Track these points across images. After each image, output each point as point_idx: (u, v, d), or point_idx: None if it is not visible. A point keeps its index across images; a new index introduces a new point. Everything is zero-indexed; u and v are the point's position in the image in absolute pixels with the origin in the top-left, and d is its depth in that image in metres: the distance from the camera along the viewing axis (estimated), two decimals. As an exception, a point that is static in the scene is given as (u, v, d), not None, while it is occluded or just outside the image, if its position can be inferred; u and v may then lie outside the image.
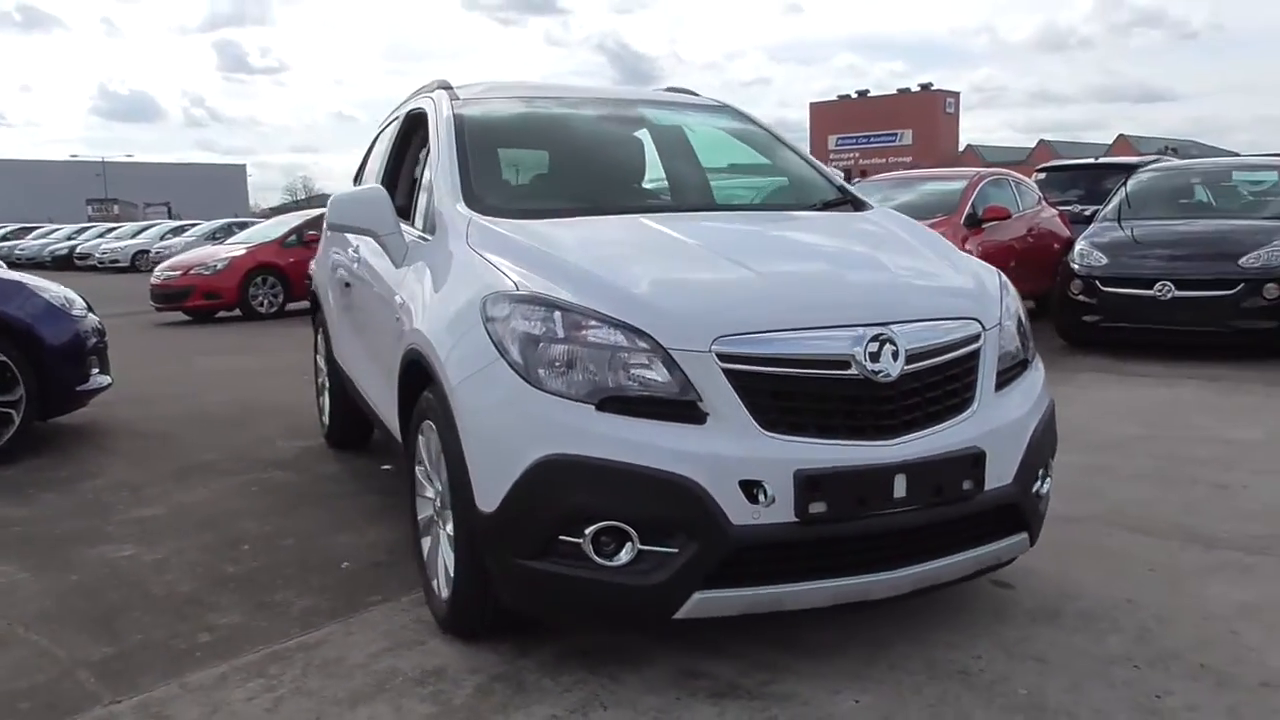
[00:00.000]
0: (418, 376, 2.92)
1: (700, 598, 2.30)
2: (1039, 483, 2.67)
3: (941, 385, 2.49)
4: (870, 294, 2.57)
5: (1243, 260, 7.29)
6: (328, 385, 5.05)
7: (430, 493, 2.95)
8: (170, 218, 42.88)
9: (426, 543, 3.02)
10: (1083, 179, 13.33)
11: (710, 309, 2.41)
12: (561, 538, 2.33)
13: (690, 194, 3.71)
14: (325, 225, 4.89)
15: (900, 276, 2.72)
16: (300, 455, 5.06)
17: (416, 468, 3.03)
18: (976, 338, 2.60)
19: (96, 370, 5.52)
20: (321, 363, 5.27)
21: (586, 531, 2.30)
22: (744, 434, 2.29)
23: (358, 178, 5.03)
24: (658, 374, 2.32)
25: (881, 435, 2.37)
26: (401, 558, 3.49)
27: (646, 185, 3.77)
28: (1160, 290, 7.38)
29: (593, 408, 2.32)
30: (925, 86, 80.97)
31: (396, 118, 4.38)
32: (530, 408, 2.37)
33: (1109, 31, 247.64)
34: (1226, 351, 7.40)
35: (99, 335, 5.62)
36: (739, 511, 2.26)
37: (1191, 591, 3.05)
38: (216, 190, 65.66)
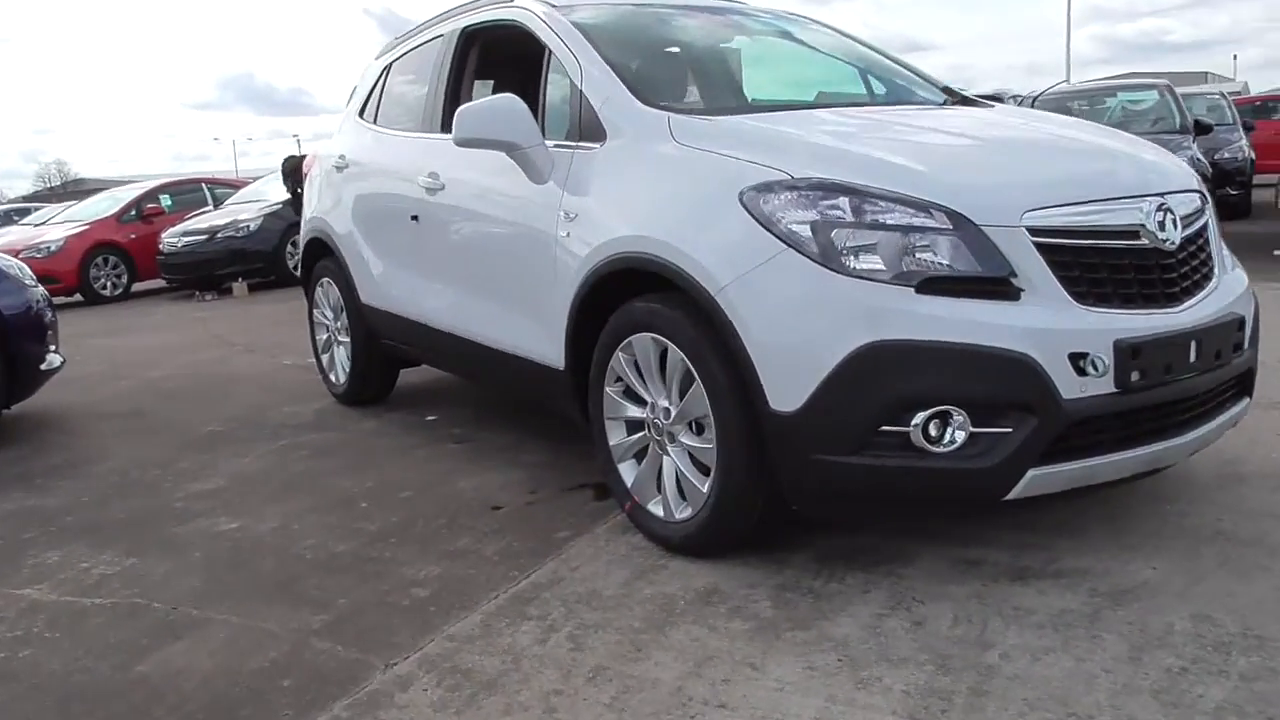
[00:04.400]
0: (617, 290, 2.73)
1: (1034, 475, 2.25)
2: None
3: (1198, 254, 2.54)
4: (1142, 168, 2.58)
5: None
6: (346, 339, 4.65)
7: (634, 411, 2.78)
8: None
9: (627, 467, 2.85)
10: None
11: (1014, 183, 2.35)
12: (885, 428, 2.23)
13: (839, 92, 3.59)
14: (333, 165, 4.50)
15: (1142, 153, 2.74)
16: (322, 416, 4.65)
17: (607, 389, 2.83)
18: (1204, 209, 2.66)
19: (52, 349, 4.87)
20: (326, 317, 4.84)
21: (915, 419, 2.20)
22: (1062, 307, 2.25)
23: (364, 110, 4.62)
24: (972, 252, 2.24)
25: (1170, 303, 2.39)
26: (552, 493, 3.28)
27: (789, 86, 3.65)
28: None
29: (912, 290, 2.22)
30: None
31: (439, 36, 4.04)
32: (841, 295, 2.24)
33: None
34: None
35: (51, 308, 4.96)
36: (1069, 385, 2.22)
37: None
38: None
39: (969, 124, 2.93)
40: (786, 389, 2.30)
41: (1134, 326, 2.29)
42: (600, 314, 2.83)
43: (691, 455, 2.63)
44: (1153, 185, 2.46)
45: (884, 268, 2.24)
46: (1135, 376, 2.27)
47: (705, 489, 2.56)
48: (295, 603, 2.59)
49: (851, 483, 2.31)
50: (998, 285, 2.24)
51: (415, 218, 3.81)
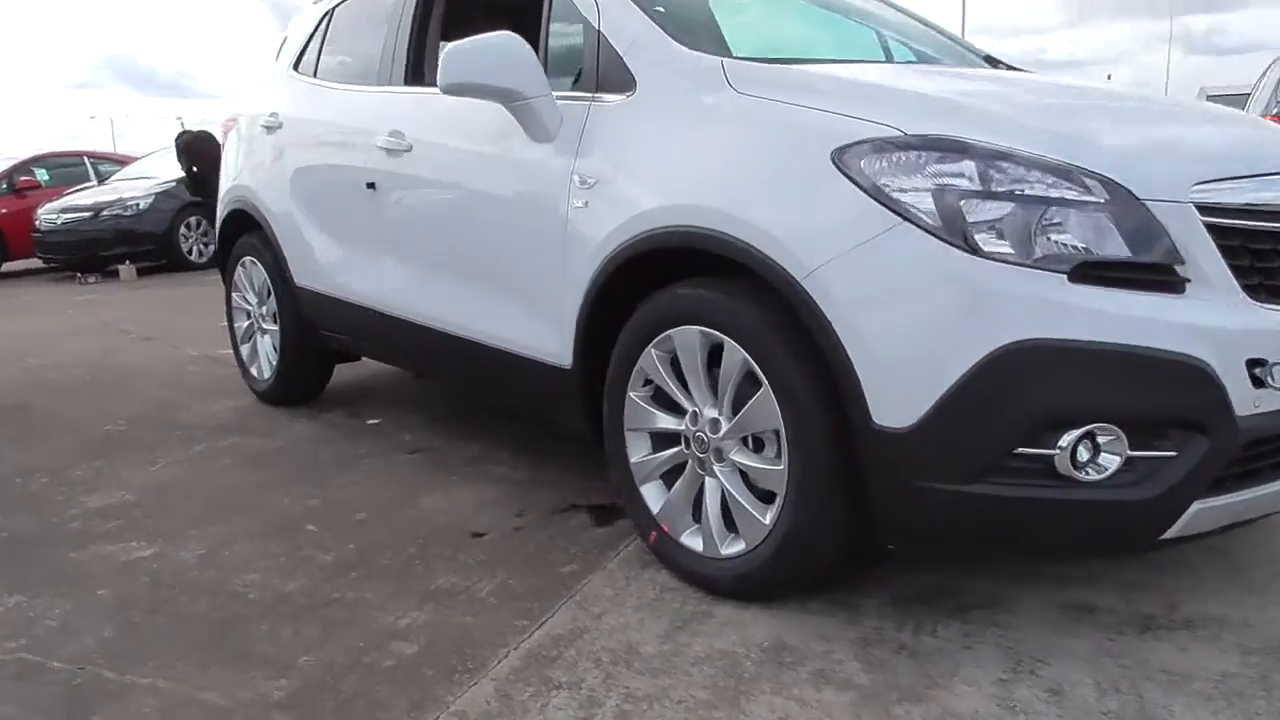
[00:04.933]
0: (647, 273, 2.24)
1: (1199, 508, 1.83)
2: None
3: None
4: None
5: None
6: (273, 327, 4.00)
7: (667, 421, 2.28)
8: None
9: (652, 489, 2.35)
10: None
11: (1177, 150, 1.93)
12: (1022, 450, 1.78)
13: (873, 50, 3.12)
14: (263, 125, 3.90)
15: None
16: (244, 417, 3.99)
17: (631, 394, 2.32)
18: None
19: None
20: (249, 301, 4.18)
21: (1063, 440, 1.76)
22: (1234, 302, 1.83)
23: (299, 62, 3.98)
24: (1134, 232, 1.80)
25: None
26: (540, 517, 2.74)
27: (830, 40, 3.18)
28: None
29: (1064, 277, 1.77)
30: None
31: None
32: (977, 282, 1.78)
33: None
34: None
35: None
36: (1243, 399, 1.81)
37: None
38: None
39: (1059, 89, 2.51)
40: (898, 400, 1.83)
41: (1308, 328, 1.88)
42: (622, 301, 2.33)
43: (744, 476, 2.14)
44: None
45: (1024, 250, 1.79)
46: (1309, 389, 1.87)
47: (768, 520, 2.07)
48: (243, 662, 2.00)
49: (971, 517, 1.86)
50: (1163, 274, 1.81)
51: (371, 185, 3.21)
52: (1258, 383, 1.81)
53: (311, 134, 3.67)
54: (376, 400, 4.16)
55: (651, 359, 2.27)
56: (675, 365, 2.24)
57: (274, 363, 4.05)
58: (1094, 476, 1.79)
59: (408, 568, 2.44)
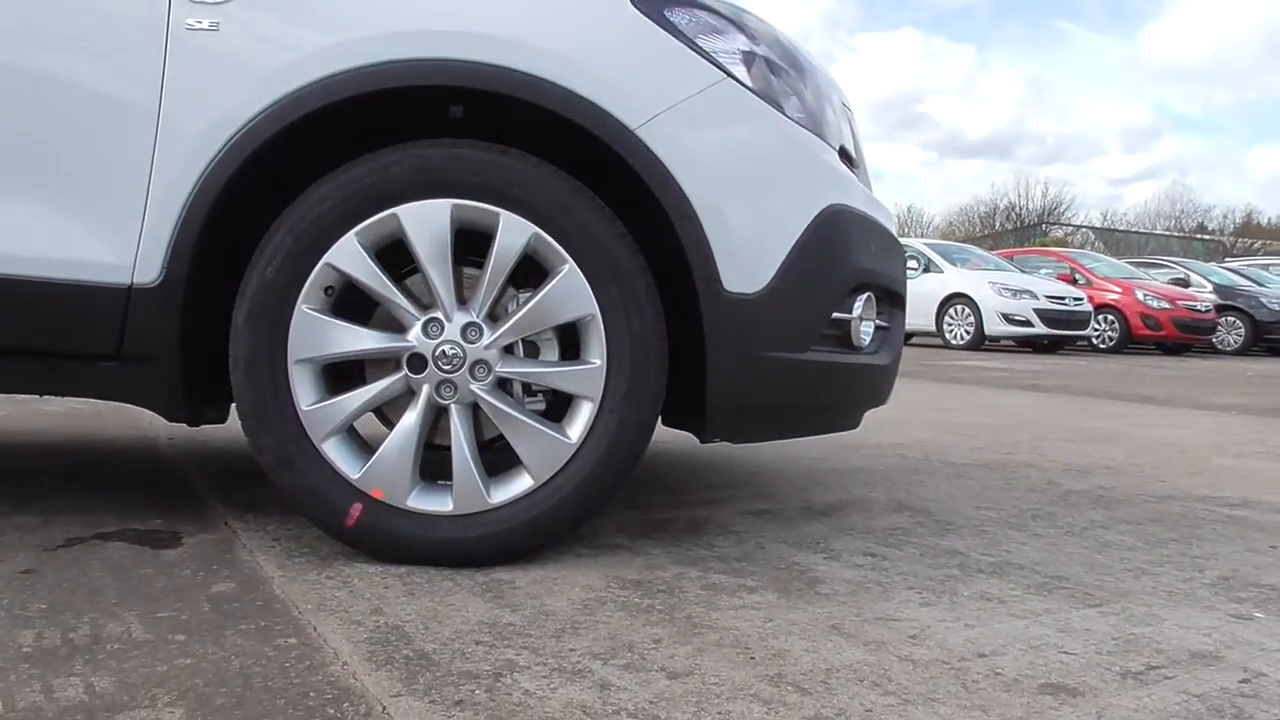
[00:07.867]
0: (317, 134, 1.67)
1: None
2: None
3: None
4: None
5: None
6: None
7: (367, 341, 1.67)
8: None
9: (340, 447, 1.66)
10: None
11: None
12: (836, 315, 1.83)
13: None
14: None
15: None
16: None
17: (304, 307, 1.64)
18: None
19: None
20: None
21: (856, 306, 1.87)
22: None
23: None
24: None
25: None
26: (53, 552, 1.64)
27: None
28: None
29: (836, 153, 1.90)
30: None
31: None
32: (798, 143, 1.79)
33: None
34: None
35: None
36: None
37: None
38: None
39: None
40: (747, 261, 1.69)
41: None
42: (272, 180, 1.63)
43: (509, 394, 1.69)
44: None
45: (812, 122, 1.85)
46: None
47: (575, 436, 1.65)
48: None
49: (801, 390, 1.80)
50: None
51: None
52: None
53: None
54: None
55: (353, 251, 1.61)
56: (398, 257, 1.65)
57: None
58: (865, 343, 1.92)
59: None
